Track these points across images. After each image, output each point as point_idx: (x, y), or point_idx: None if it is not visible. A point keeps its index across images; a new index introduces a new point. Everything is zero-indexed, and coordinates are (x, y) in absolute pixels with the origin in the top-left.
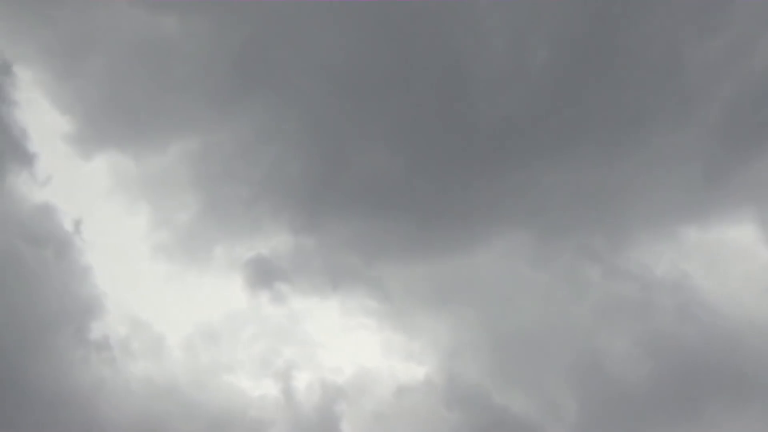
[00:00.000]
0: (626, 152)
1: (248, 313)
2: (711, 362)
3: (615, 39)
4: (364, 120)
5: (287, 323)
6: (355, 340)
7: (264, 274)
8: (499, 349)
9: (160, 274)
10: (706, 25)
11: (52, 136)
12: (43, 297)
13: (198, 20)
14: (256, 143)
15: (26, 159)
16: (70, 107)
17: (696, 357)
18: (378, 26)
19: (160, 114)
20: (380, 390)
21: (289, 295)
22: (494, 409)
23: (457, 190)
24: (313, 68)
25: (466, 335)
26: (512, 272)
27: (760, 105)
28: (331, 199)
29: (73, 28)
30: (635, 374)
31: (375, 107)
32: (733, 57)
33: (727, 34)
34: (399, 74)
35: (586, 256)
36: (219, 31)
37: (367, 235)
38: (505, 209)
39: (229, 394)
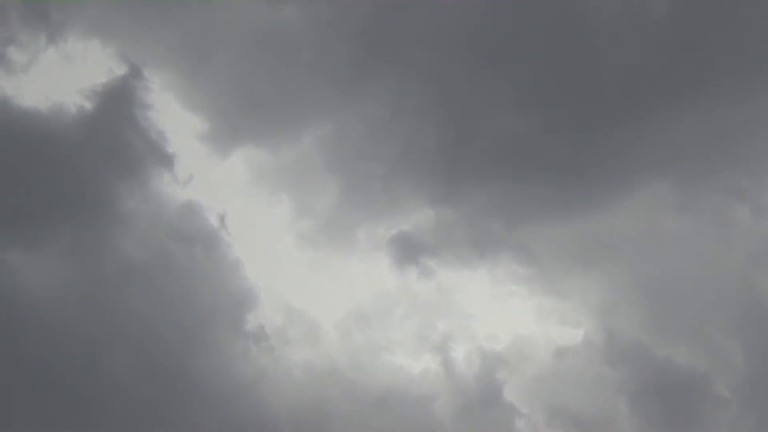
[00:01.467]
0: (758, 89)
1: (398, 291)
2: None
3: None
4: (491, 84)
5: (437, 297)
6: (507, 307)
7: (409, 251)
8: (654, 302)
9: (307, 262)
10: None
11: (187, 136)
12: (197, 293)
13: (318, 5)
14: (387, 121)
15: (166, 160)
16: (201, 106)
17: None
18: None
19: (290, 103)
20: (539, 354)
21: (435, 269)
22: (657, 362)
23: (591, 145)
24: (434, 39)
25: (618, 291)
26: (657, 223)
27: None
28: (467, 167)
29: (196, 27)
30: None
31: (500, 70)
32: None
33: None
34: (521, 35)
35: (731, 197)
36: (340, 13)
37: (507, 200)
38: (643, 160)
39: (389, 372)
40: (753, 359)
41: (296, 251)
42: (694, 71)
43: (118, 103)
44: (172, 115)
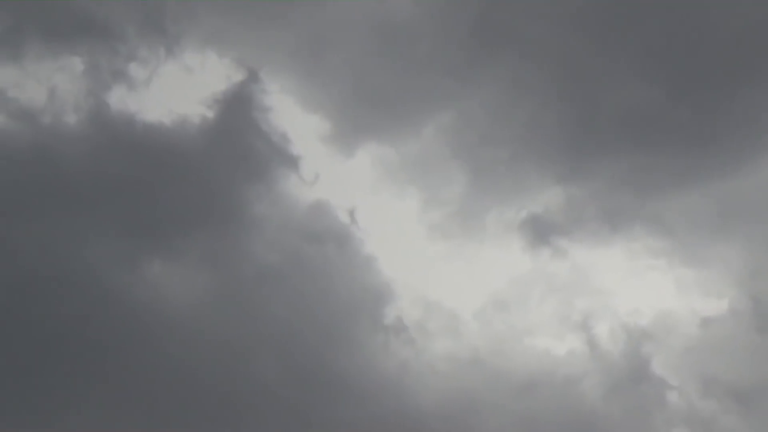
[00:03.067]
0: None
1: (533, 273)
2: None
3: None
4: (610, 57)
5: (573, 277)
6: (647, 282)
7: (540, 232)
8: None
9: (440, 253)
10: None
11: (309, 136)
12: (333, 291)
13: None
14: (507, 104)
15: (291, 162)
16: (321, 106)
17: None
18: None
19: (409, 96)
20: (684, 326)
21: (569, 248)
22: None
23: (718, 109)
24: (548, 18)
25: (761, 256)
26: None
27: None
28: (592, 142)
29: (310, 28)
30: None
31: (618, 42)
32: None
33: None
34: (635, 4)
35: None
36: (451, 1)
37: (636, 172)
38: None
39: (533, 356)
40: None
41: (428, 243)
42: None
43: (238, 109)
44: (292, 117)
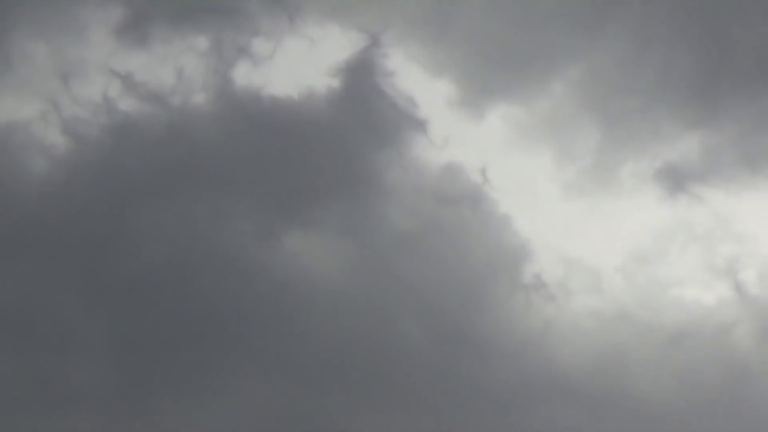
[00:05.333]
0: None
1: (673, 224)
2: None
3: None
4: None
5: (715, 224)
6: None
7: (677, 181)
8: None
9: (576, 209)
10: None
11: (436, 100)
12: (471, 253)
13: None
14: (637, 52)
15: (420, 126)
16: (445, 69)
17: None
18: None
19: (535, 53)
20: None
21: (708, 195)
22: None
23: None
24: None
25: None
26: None
27: None
28: (728, 84)
29: None
30: None
31: None
32: None
33: None
34: None
35: None
36: None
37: None
38: None
39: (681, 308)
40: None
41: (564, 200)
42: None
43: (362, 76)
44: (418, 81)
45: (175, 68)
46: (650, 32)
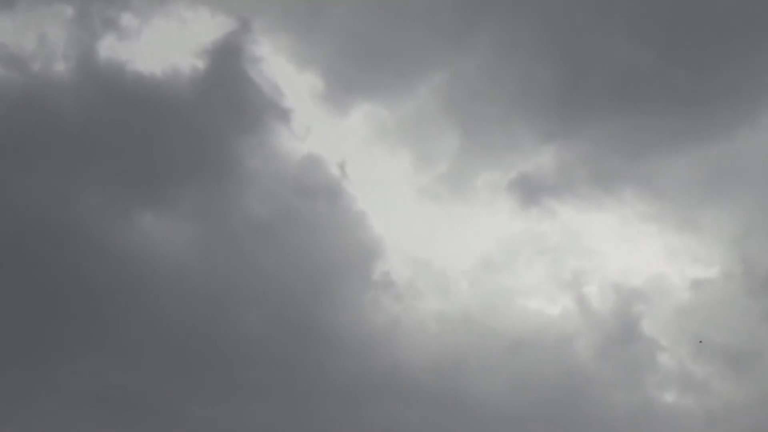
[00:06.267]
0: None
1: (523, 235)
2: None
3: None
4: (604, 14)
5: (564, 238)
6: (637, 246)
7: (530, 192)
8: None
9: (430, 213)
10: None
11: (301, 92)
12: (323, 246)
13: None
14: (500, 63)
15: (283, 115)
16: (313, 63)
17: None
18: None
19: (403, 56)
20: (675, 288)
21: (559, 209)
22: None
23: (711, 72)
24: None
25: (752, 220)
26: None
27: None
28: (584, 102)
29: None
30: None
31: (611, 1)
32: None
33: None
34: None
35: None
36: None
37: (628, 133)
38: (764, 84)
39: (524, 316)
40: None
41: (419, 203)
42: None
43: (229, 59)
44: (285, 72)
45: (37, 34)
46: (515, 44)
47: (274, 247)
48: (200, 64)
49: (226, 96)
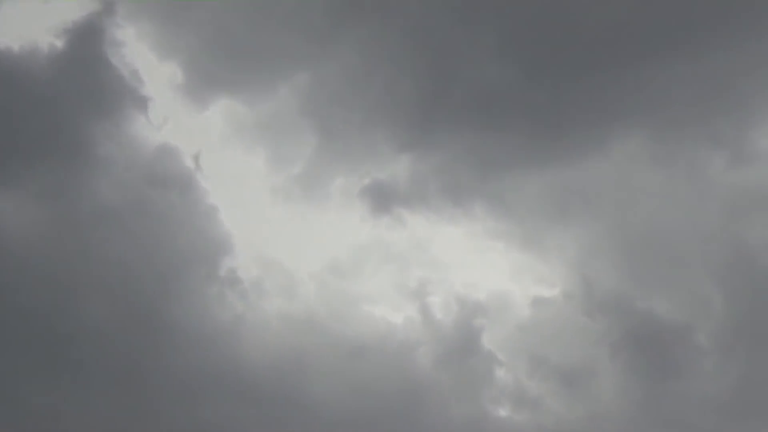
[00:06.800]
0: (734, 38)
1: (372, 242)
2: None
3: None
4: (469, 33)
5: (412, 247)
6: (483, 260)
7: (382, 200)
8: (632, 253)
9: (282, 214)
10: None
11: (160, 81)
12: (172, 238)
13: None
14: (364, 69)
15: (141, 103)
16: (175, 53)
17: None
18: None
19: (267, 54)
20: (516, 305)
21: (409, 218)
22: (637, 313)
23: (569, 96)
24: None
25: (596, 243)
26: (634, 173)
27: None
28: (443, 115)
29: None
30: None
31: (479, 19)
32: None
33: None
34: None
35: (708, 146)
36: None
37: (481, 149)
38: (620, 110)
39: (368, 322)
40: (732, 308)
41: (271, 202)
42: (672, 21)
43: (89, 41)
44: (145, 59)
45: None
46: (381, 53)
47: (122, 236)
48: (59, 44)
49: (83, 78)
